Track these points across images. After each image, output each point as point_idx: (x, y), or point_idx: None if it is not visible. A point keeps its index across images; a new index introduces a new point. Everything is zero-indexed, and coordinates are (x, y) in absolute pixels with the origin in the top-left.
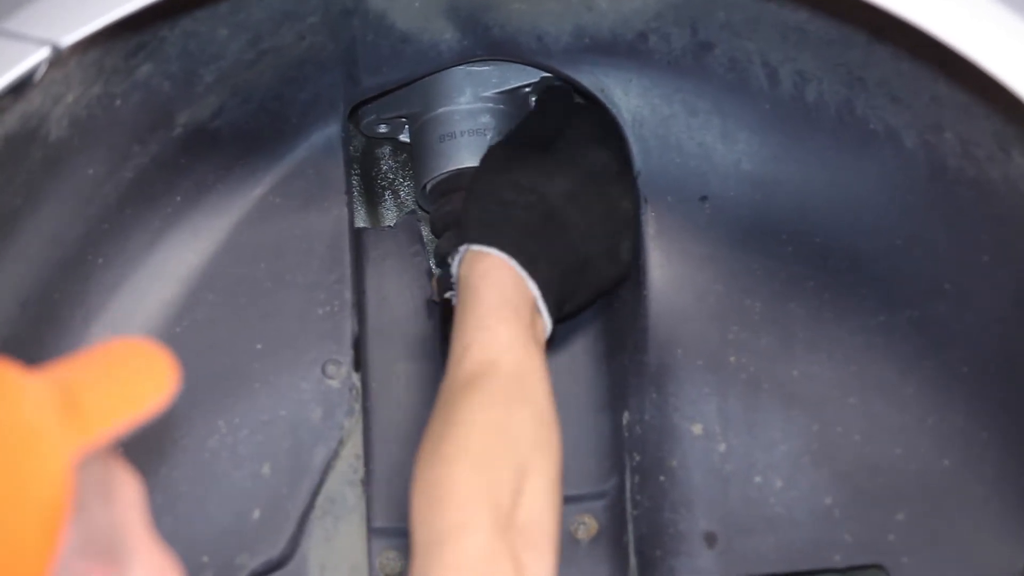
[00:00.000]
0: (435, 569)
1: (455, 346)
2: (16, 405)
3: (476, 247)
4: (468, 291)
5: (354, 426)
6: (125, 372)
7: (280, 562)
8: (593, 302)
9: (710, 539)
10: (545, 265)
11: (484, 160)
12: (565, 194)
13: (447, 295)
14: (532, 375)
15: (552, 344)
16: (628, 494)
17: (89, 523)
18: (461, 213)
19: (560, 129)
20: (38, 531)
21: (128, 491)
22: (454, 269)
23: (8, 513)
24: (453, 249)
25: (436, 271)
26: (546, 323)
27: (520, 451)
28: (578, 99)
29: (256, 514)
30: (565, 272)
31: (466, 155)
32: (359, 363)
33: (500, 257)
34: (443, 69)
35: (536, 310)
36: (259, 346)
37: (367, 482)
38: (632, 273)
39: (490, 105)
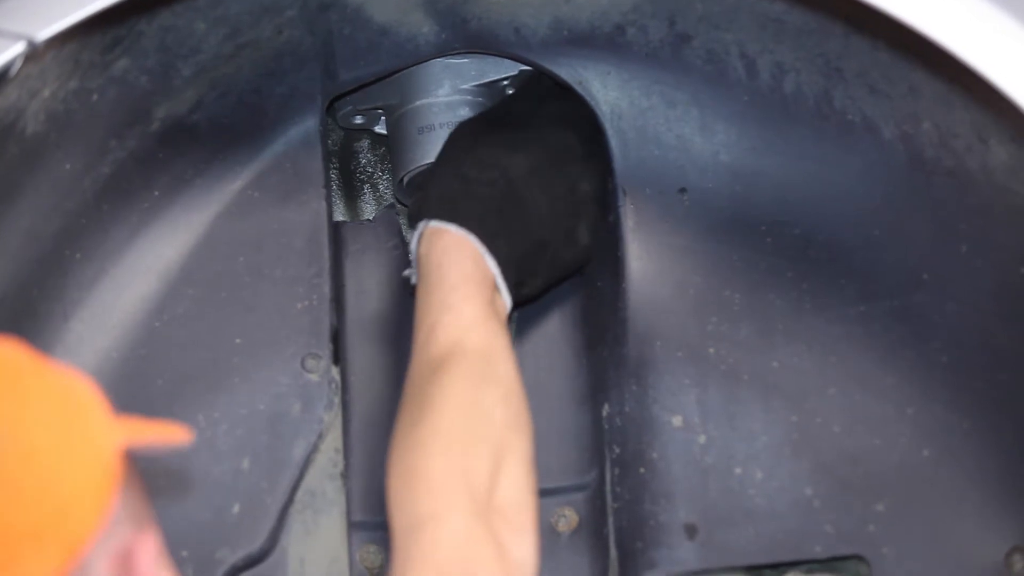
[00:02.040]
0: (415, 555)
1: (420, 327)
2: (78, 389)
3: (435, 223)
4: (429, 269)
5: (333, 420)
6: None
7: (260, 556)
8: (553, 286)
9: (690, 531)
10: (504, 242)
11: (451, 137)
12: (526, 171)
13: (405, 273)
14: (498, 354)
15: (532, 336)
16: (608, 486)
17: (131, 501)
18: (423, 189)
19: (530, 111)
20: (92, 494)
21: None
22: (413, 246)
23: (66, 474)
24: (412, 226)
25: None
26: (505, 301)
27: (494, 432)
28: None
29: (236, 508)
30: (524, 251)
31: None
32: (338, 357)
33: (459, 234)
34: (421, 62)
35: (495, 288)
36: (238, 340)
37: (347, 476)
38: (608, 263)
39: (468, 98)
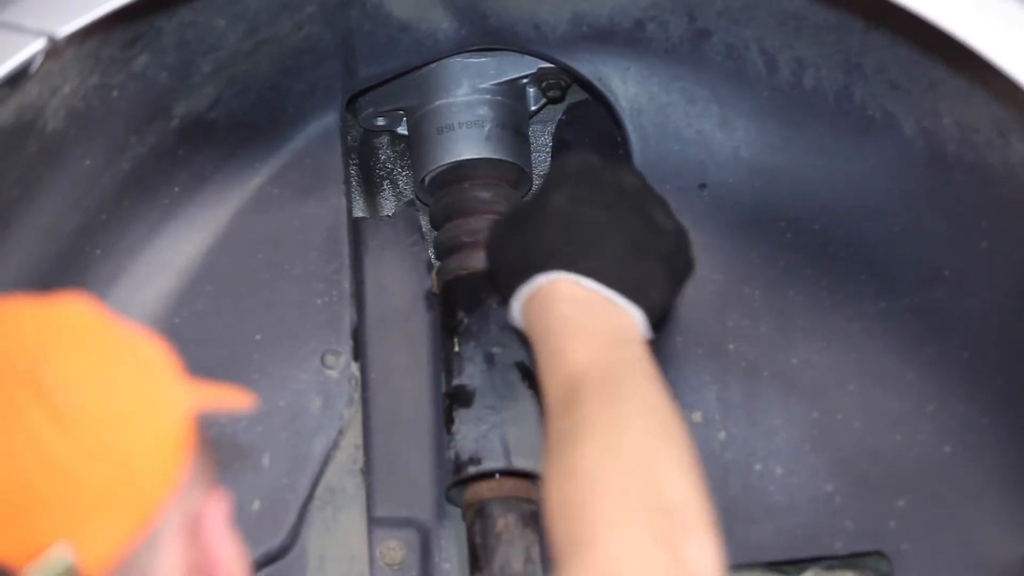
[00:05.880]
0: (590, 568)
1: (555, 380)
2: (150, 351)
3: (571, 276)
4: (551, 317)
5: (353, 416)
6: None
7: (280, 553)
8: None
9: None
10: (642, 290)
11: (555, 182)
12: (639, 214)
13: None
14: (630, 370)
15: None
16: None
17: (201, 467)
18: (530, 236)
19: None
20: (163, 460)
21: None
22: (524, 294)
23: (137, 440)
24: (515, 275)
25: (435, 263)
26: (635, 318)
27: (647, 444)
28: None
29: (256, 505)
30: (661, 287)
31: (464, 147)
32: (358, 353)
33: (603, 293)
34: (440, 59)
35: (620, 311)
36: (258, 337)
37: (367, 472)
38: None
39: (488, 97)
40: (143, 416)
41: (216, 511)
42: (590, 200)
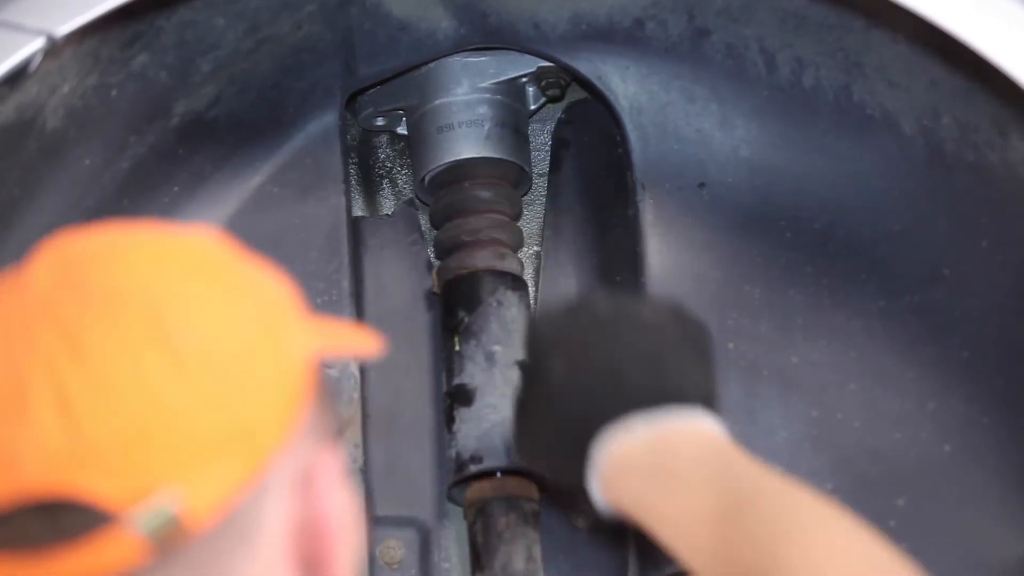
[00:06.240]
0: None
1: (686, 539)
2: (276, 290)
3: (619, 434)
4: (642, 489)
5: (353, 415)
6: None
7: None
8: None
9: None
10: (683, 385)
11: (541, 359)
12: (627, 323)
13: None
14: (747, 474)
15: None
16: None
17: (319, 415)
18: (556, 427)
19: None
20: (282, 406)
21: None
22: (594, 480)
23: (256, 382)
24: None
25: (435, 262)
26: (708, 426)
27: (831, 529)
28: None
29: None
30: (693, 368)
31: (464, 146)
32: None
33: (658, 426)
34: (440, 57)
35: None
36: None
37: (366, 471)
38: (628, 258)
39: (487, 96)
40: (264, 360)
41: (330, 465)
42: (581, 349)
